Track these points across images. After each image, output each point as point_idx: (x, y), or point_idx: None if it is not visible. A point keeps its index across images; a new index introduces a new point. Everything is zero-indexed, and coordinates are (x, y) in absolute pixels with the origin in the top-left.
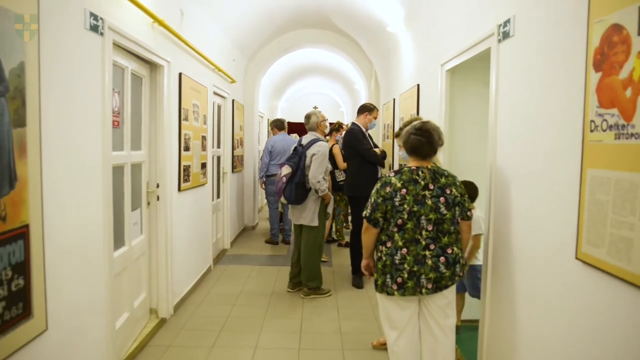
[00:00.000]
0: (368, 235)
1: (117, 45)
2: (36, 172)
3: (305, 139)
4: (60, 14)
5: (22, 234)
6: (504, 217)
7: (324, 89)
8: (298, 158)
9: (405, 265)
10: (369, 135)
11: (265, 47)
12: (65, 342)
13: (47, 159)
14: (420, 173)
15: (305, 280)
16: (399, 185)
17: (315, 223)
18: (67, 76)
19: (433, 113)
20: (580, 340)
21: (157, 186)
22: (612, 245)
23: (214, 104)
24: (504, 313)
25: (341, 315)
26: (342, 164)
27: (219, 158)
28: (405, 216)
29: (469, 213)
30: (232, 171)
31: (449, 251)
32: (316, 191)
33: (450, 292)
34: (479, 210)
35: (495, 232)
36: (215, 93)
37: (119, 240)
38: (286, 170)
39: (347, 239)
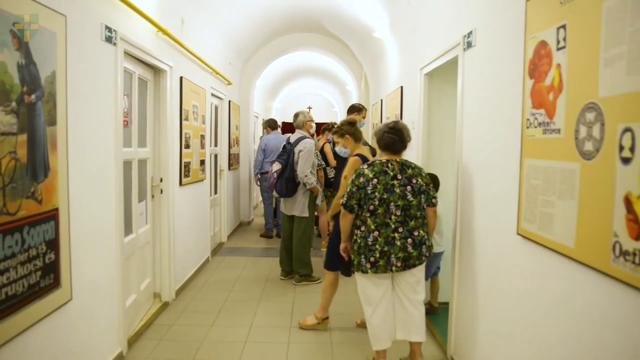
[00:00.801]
0: (345, 220)
1: (126, 53)
2: (64, 164)
3: (293, 137)
4: (82, 29)
5: (53, 216)
6: (469, 203)
7: (317, 89)
8: (287, 155)
9: (377, 246)
10: None
11: (260, 50)
12: (86, 313)
13: (71, 153)
14: (389, 165)
15: (297, 267)
16: (371, 175)
17: (306, 214)
18: (86, 82)
19: (414, 113)
20: (521, 305)
21: (161, 180)
22: (541, 220)
23: (211, 104)
24: (468, 290)
25: None
26: (332, 162)
27: (216, 156)
28: (377, 203)
29: (433, 200)
30: (229, 168)
31: (416, 233)
32: (304, 185)
33: (419, 271)
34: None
35: (462, 218)
36: (213, 94)
37: (127, 227)
38: (277, 166)
39: None
